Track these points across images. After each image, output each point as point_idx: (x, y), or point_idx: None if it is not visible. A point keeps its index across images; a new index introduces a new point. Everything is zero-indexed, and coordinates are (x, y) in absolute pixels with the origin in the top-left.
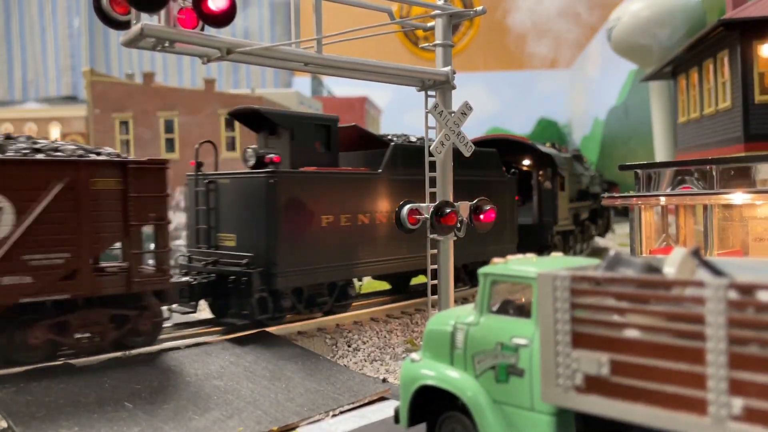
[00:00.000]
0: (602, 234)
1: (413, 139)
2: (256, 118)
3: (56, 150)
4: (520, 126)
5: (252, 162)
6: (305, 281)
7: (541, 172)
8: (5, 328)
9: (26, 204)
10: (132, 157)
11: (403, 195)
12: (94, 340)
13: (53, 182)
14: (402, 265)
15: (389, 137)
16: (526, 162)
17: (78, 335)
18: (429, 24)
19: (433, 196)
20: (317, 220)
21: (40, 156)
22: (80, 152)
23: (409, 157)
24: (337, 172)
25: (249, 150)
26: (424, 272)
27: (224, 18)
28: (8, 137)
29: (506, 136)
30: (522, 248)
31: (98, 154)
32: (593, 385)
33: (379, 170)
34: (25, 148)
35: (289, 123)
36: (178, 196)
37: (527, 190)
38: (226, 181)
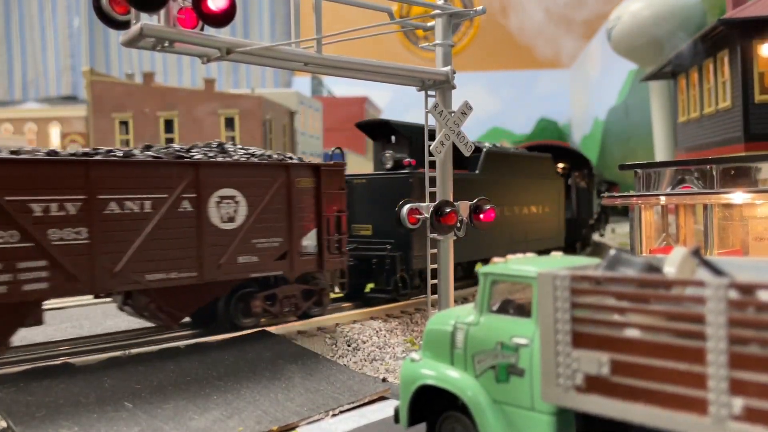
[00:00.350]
0: (602, 232)
1: (499, 144)
2: (378, 127)
3: (269, 156)
4: (520, 126)
5: (390, 164)
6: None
7: (577, 173)
8: (233, 298)
9: (255, 198)
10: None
11: (496, 191)
12: (292, 310)
13: (273, 182)
14: (510, 248)
15: (479, 143)
16: (564, 164)
17: (282, 306)
18: (429, 24)
19: (433, 195)
20: None
21: (253, 160)
22: (282, 158)
23: (497, 160)
24: (457, 173)
25: (387, 154)
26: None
27: (224, 18)
28: (221, 144)
29: (548, 142)
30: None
31: (290, 159)
32: (593, 384)
33: (477, 171)
34: (244, 154)
35: (409, 132)
36: None
37: (566, 189)
38: (362, 181)
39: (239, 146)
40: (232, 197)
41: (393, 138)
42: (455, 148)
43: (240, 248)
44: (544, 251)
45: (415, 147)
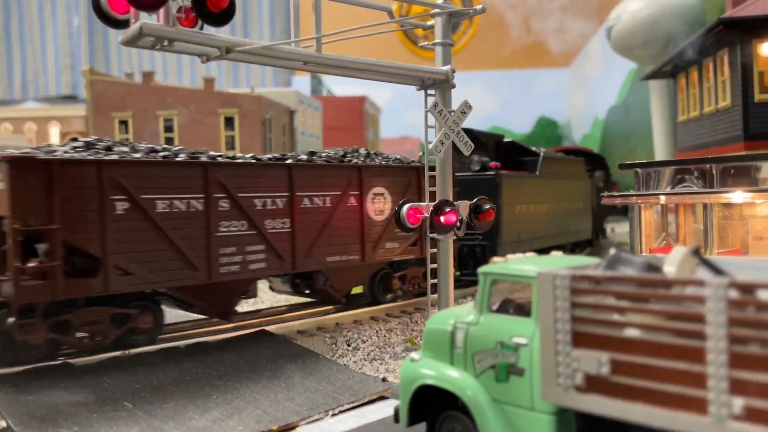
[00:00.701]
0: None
1: (551, 149)
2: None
3: (401, 160)
4: (520, 125)
5: (477, 167)
6: (515, 250)
7: (597, 174)
8: (377, 279)
9: (396, 195)
10: None
11: (553, 190)
12: (416, 289)
13: (409, 180)
14: (558, 239)
15: (534, 149)
16: (587, 167)
17: (410, 285)
18: (428, 23)
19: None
20: (518, 208)
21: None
22: (411, 162)
23: (550, 163)
24: (523, 174)
25: (475, 158)
26: (570, 245)
27: (223, 17)
28: (355, 150)
29: (574, 147)
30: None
31: (416, 162)
32: (593, 384)
33: (537, 172)
34: (384, 158)
35: (490, 139)
36: None
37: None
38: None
39: (373, 152)
40: (381, 194)
41: (477, 144)
42: (524, 154)
43: (387, 236)
44: (580, 243)
45: (491, 151)
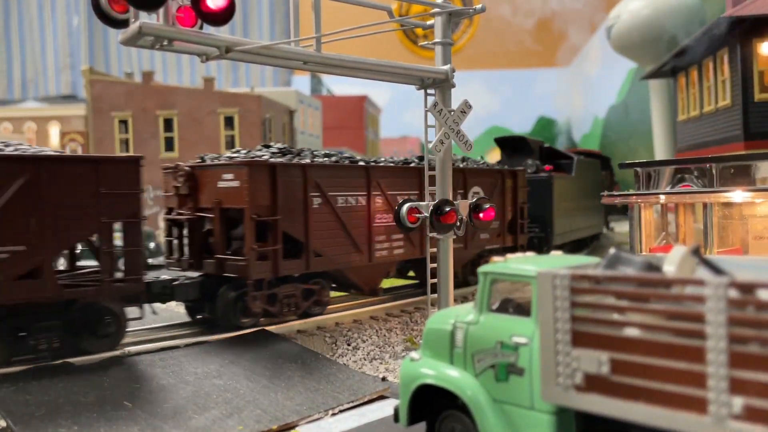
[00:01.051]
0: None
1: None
2: (509, 140)
3: (486, 164)
4: (520, 124)
5: (532, 170)
6: (563, 239)
7: (604, 173)
8: (473, 264)
9: (487, 194)
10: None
11: (582, 189)
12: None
13: (496, 182)
14: (583, 232)
15: (567, 151)
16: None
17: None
18: (428, 22)
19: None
20: (563, 204)
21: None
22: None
23: (581, 165)
24: (565, 175)
25: (530, 161)
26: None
27: (223, 16)
28: (464, 159)
29: (584, 150)
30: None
31: (486, 164)
32: (593, 383)
33: (572, 174)
34: (481, 162)
35: (536, 145)
36: None
37: None
38: None
39: (466, 156)
40: (478, 192)
41: (522, 150)
42: (559, 157)
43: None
44: (594, 235)
45: (536, 155)
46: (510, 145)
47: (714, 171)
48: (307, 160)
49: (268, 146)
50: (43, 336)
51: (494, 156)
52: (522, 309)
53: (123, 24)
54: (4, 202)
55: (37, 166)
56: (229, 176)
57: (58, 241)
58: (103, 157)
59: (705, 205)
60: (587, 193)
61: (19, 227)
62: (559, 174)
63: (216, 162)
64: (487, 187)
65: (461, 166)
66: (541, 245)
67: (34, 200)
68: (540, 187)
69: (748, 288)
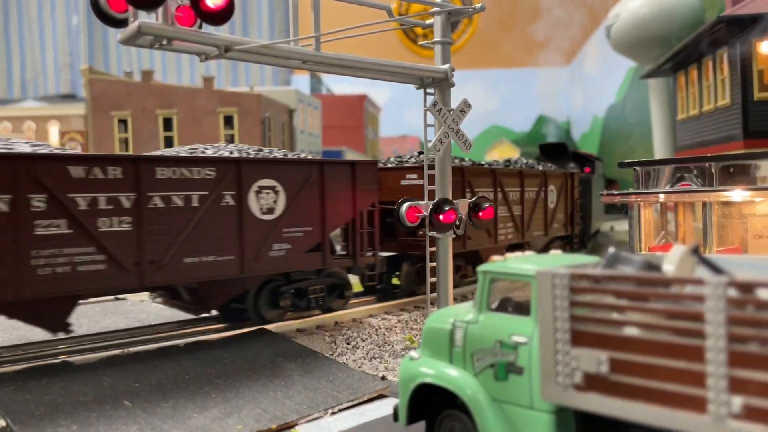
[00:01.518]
0: None
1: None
2: (552, 147)
3: (531, 166)
4: (519, 123)
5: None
6: (593, 228)
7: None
8: (545, 247)
9: (559, 190)
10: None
11: (598, 185)
12: None
13: (565, 181)
14: (598, 224)
15: (585, 153)
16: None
17: None
18: (428, 21)
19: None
20: (594, 199)
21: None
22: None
23: (599, 166)
24: (594, 175)
25: (571, 165)
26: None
27: (222, 15)
28: (507, 161)
29: (586, 152)
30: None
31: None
32: (592, 383)
33: (595, 174)
34: (527, 165)
35: (569, 149)
36: None
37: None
38: None
39: (532, 162)
40: (553, 190)
41: (559, 154)
42: (584, 159)
43: (553, 220)
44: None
45: (570, 158)
46: (552, 150)
47: (713, 170)
48: (494, 167)
49: (463, 159)
50: (314, 295)
51: (493, 156)
52: (521, 308)
53: (122, 23)
54: (302, 193)
55: (321, 167)
56: (413, 176)
57: (333, 224)
58: (357, 161)
59: (704, 204)
60: (598, 191)
61: (310, 212)
62: (594, 175)
63: (397, 165)
64: (559, 186)
65: (541, 169)
66: (582, 234)
67: (320, 192)
68: (583, 186)
69: (747, 287)
